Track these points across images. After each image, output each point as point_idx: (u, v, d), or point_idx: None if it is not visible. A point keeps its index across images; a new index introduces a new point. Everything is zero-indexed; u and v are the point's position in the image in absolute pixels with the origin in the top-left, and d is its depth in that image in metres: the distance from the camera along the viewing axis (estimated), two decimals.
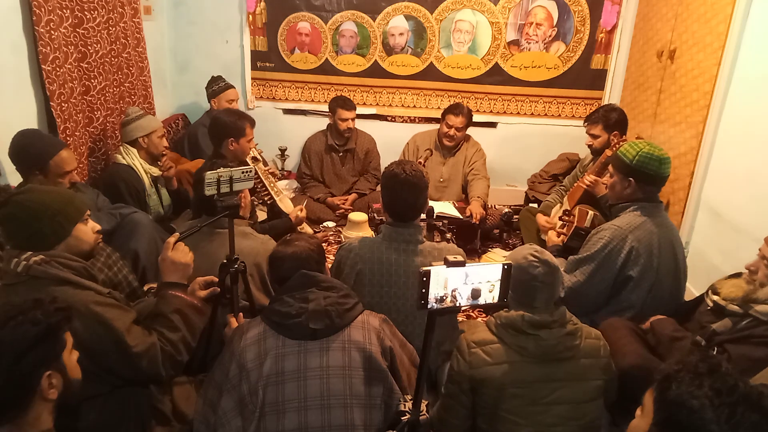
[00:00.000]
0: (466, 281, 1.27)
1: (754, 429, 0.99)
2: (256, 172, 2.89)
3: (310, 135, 4.04)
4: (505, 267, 1.29)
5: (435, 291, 1.25)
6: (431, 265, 1.24)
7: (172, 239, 1.80)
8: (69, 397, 1.27)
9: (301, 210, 3.02)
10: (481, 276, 1.28)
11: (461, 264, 1.25)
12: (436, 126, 3.87)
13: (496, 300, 1.31)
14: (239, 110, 3.09)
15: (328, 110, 3.90)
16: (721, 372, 1.04)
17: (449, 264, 1.24)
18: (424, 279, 1.23)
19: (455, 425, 1.65)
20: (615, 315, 2.12)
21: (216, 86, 3.75)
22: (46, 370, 1.19)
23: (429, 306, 1.26)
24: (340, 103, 3.81)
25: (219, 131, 2.87)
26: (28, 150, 2.26)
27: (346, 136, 3.91)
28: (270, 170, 3.19)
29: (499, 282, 1.30)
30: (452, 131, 3.67)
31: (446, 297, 1.27)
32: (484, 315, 2.82)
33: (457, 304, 1.29)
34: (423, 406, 1.46)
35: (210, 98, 3.77)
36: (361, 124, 4.01)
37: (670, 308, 2.15)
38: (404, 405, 1.49)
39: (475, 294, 1.30)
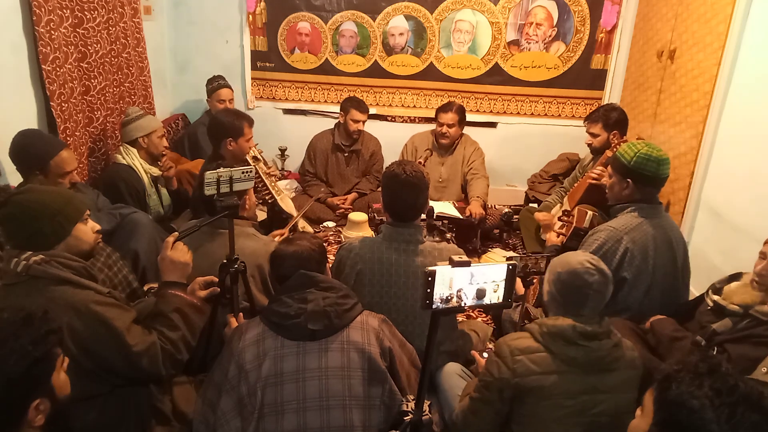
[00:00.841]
0: (471, 281, 1.27)
1: (754, 429, 0.98)
2: (257, 172, 2.88)
3: (311, 135, 4.04)
4: (510, 267, 1.29)
5: (440, 291, 1.25)
6: (437, 265, 1.23)
7: (171, 238, 1.80)
8: (59, 412, 1.22)
9: (282, 234, 2.68)
10: (486, 276, 1.28)
11: (466, 264, 1.25)
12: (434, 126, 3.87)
13: (500, 300, 1.31)
14: (237, 110, 3.08)
15: (340, 109, 3.88)
16: (722, 372, 1.04)
17: (454, 264, 1.24)
18: (429, 279, 1.22)
19: (484, 430, 1.62)
20: (612, 316, 2.11)
21: (210, 86, 3.77)
22: (34, 399, 1.14)
23: (434, 306, 1.25)
24: (355, 104, 3.80)
25: (217, 131, 2.87)
26: (29, 150, 2.26)
27: (354, 137, 3.91)
28: (270, 171, 3.19)
29: (503, 282, 1.29)
30: (444, 128, 3.68)
31: (452, 297, 1.26)
32: (484, 315, 2.82)
33: (463, 305, 1.29)
34: (425, 407, 1.45)
35: (207, 97, 3.79)
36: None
37: (670, 309, 2.15)
38: (407, 405, 1.49)
39: (480, 294, 1.29)
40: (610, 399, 1.52)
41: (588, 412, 1.51)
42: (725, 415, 0.99)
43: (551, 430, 1.51)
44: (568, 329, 1.51)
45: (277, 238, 2.61)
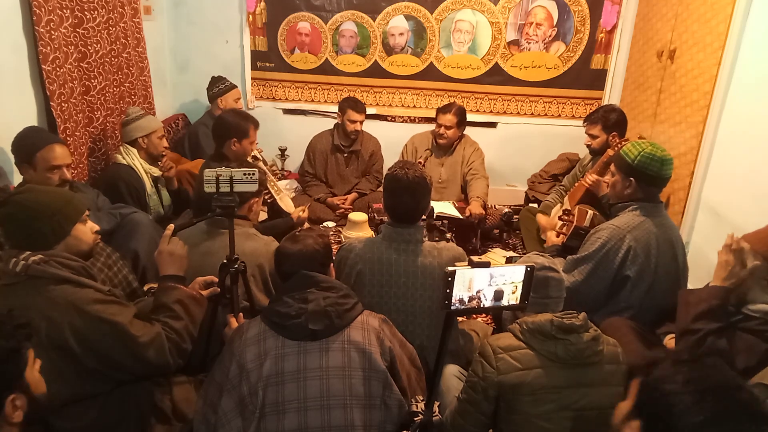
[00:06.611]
0: (490, 282, 1.27)
1: (724, 418, 0.99)
2: (266, 185, 2.86)
3: (311, 135, 4.04)
4: (528, 269, 1.29)
5: (459, 292, 1.25)
6: (456, 266, 1.24)
7: (168, 232, 1.81)
8: (38, 412, 1.21)
9: (303, 210, 2.97)
10: (505, 277, 1.28)
11: (486, 265, 1.25)
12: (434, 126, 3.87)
13: (518, 302, 1.31)
14: (245, 112, 3.10)
15: (337, 109, 3.88)
16: (702, 362, 1.07)
17: (474, 264, 1.25)
18: (449, 279, 1.22)
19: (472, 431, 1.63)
20: (614, 315, 2.12)
21: (222, 85, 3.75)
22: (9, 393, 1.13)
23: (452, 307, 1.26)
24: (351, 105, 3.79)
25: (223, 131, 2.87)
26: (19, 142, 2.29)
27: (352, 137, 3.91)
28: (270, 168, 3.19)
29: (522, 283, 1.30)
30: (442, 129, 3.69)
31: (473, 298, 1.27)
32: (483, 314, 2.81)
33: (482, 305, 1.29)
34: (435, 407, 1.45)
35: (214, 98, 3.76)
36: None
37: (670, 308, 2.14)
38: (416, 405, 1.49)
39: (498, 295, 1.30)
40: (594, 393, 1.53)
41: (572, 406, 1.52)
42: (692, 400, 1.00)
43: (538, 427, 1.52)
44: (546, 324, 1.54)
45: (301, 214, 2.93)
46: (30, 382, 1.19)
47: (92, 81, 3.03)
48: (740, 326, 1.73)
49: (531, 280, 1.31)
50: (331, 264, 1.81)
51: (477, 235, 3.50)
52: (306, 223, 3.11)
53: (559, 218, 2.90)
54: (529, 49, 4.18)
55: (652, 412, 1.06)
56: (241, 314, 1.92)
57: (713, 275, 1.85)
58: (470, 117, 3.90)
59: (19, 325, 1.19)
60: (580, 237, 2.40)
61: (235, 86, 3.80)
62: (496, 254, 3.48)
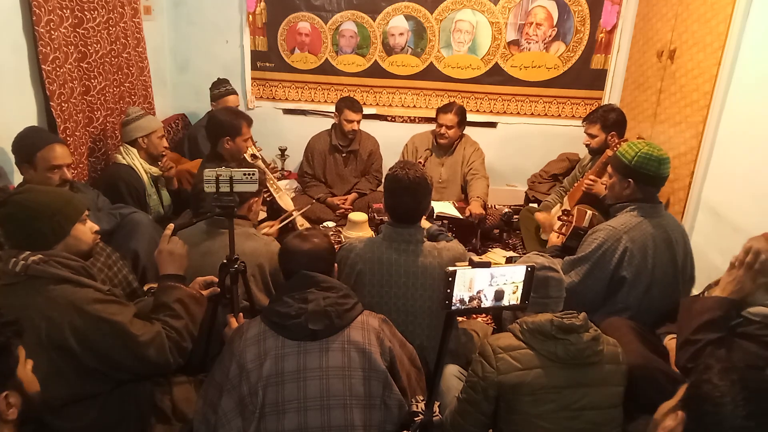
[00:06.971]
0: (491, 282, 1.27)
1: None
2: (264, 183, 2.79)
3: (311, 135, 4.03)
4: (529, 269, 1.29)
5: (459, 292, 1.25)
6: (456, 266, 1.24)
7: (168, 231, 1.81)
8: (32, 411, 1.21)
9: (271, 226, 2.77)
10: (506, 277, 1.29)
11: (487, 265, 1.25)
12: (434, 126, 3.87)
13: (519, 301, 1.32)
14: (236, 109, 3.08)
15: (334, 109, 3.88)
16: (756, 368, 1.16)
17: (475, 265, 1.25)
18: (450, 279, 1.23)
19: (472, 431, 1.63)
20: (612, 316, 2.12)
21: (216, 90, 3.72)
22: (1, 390, 1.13)
23: (453, 307, 1.26)
24: (348, 104, 3.79)
25: (215, 130, 2.86)
26: (20, 142, 2.29)
27: (350, 137, 3.91)
28: (270, 166, 3.18)
29: (522, 284, 1.30)
30: (443, 129, 3.69)
31: (474, 298, 1.27)
32: (483, 314, 2.81)
33: (482, 305, 1.29)
34: (435, 407, 1.45)
35: (212, 101, 3.76)
36: (361, 124, 4.02)
37: (670, 308, 2.14)
38: (416, 405, 1.49)
39: (499, 295, 1.30)
40: (594, 393, 1.54)
41: (572, 406, 1.52)
42: (740, 396, 1.06)
43: (538, 427, 1.52)
44: (546, 324, 1.54)
45: (266, 230, 2.63)
46: (23, 380, 1.19)
47: (92, 81, 3.03)
48: (740, 330, 1.73)
49: (532, 280, 1.31)
50: (335, 264, 1.81)
51: (477, 235, 3.50)
52: (305, 222, 3.10)
53: (559, 218, 2.90)
54: (529, 49, 4.18)
55: (700, 405, 1.11)
56: (241, 314, 1.92)
57: (720, 286, 1.82)
58: (470, 117, 3.91)
59: (7, 323, 1.19)
60: (579, 237, 2.40)
61: (230, 93, 3.70)
62: (496, 254, 3.48)
